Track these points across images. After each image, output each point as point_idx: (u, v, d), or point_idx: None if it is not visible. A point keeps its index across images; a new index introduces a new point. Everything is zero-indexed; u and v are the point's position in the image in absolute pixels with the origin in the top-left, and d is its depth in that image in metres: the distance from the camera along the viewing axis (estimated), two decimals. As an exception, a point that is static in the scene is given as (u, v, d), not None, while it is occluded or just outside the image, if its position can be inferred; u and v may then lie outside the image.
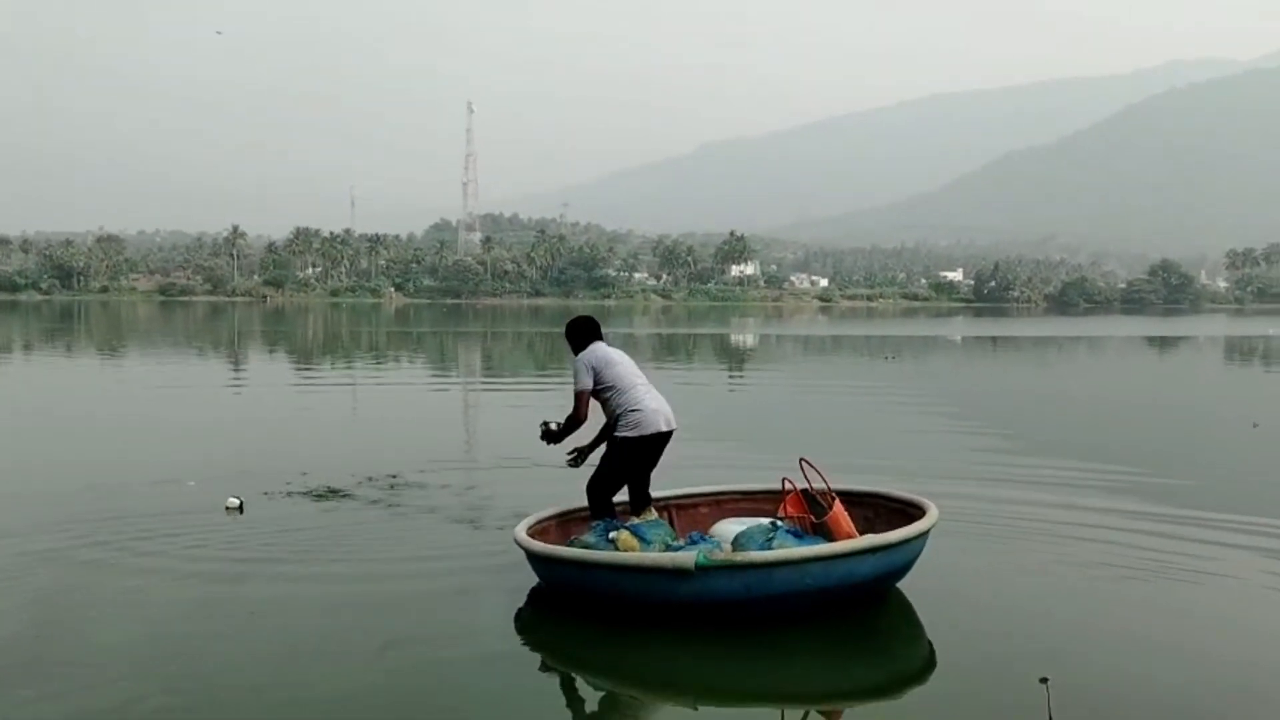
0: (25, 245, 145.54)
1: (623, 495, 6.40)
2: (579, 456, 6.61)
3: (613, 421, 6.29)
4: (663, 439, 6.23)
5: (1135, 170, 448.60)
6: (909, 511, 6.10)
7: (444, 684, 4.63)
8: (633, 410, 6.15)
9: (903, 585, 5.85)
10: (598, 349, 6.40)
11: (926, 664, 4.97)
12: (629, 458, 6.18)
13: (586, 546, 5.79)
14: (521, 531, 6.01)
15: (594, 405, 6.31)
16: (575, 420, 6.29)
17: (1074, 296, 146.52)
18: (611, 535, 5.80)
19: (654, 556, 5.46)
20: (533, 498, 7.41)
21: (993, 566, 6.64)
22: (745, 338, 45.65)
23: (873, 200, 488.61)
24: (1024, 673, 4.68)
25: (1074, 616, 5.65)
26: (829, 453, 6.24)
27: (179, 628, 5.28)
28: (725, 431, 13.36)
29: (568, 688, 4.84)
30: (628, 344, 38.16)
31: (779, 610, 5.29)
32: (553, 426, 6.41)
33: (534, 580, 6.00)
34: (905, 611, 5.70)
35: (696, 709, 4.53)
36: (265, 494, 8.36)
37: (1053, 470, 10.13)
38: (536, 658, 5.17)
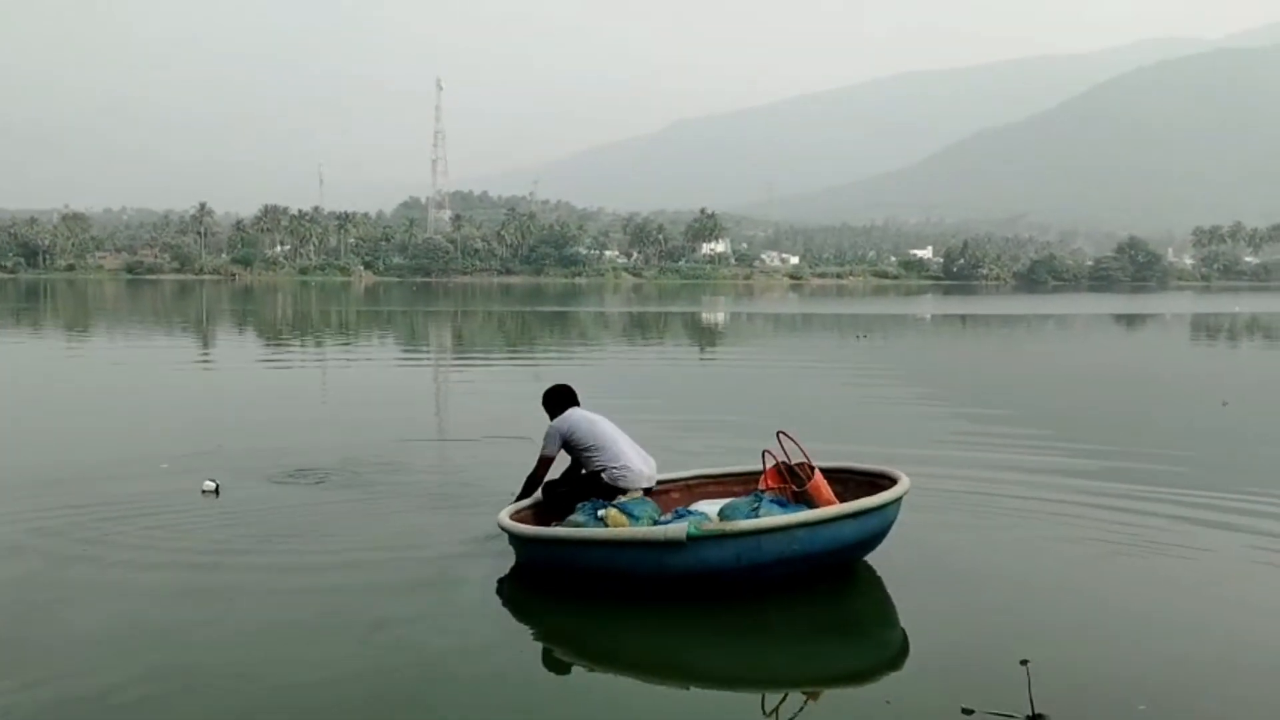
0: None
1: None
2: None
3: (593, 474, 6.38)
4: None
5: (1104, 149, 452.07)
6: (879, 483, 6.20)
7: (430, 668, 4.62)
8: (616, 466, 6.30)
9: (878, 561, 5.94)
10: (573, 415, 6.56)
11: (902, 646, 5.02)
12: (597, 495, 6.21)
13: (576, 526, 5.83)
14: (505, 517, 6.05)
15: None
16: (534, 481, 6.50)
17: (1042, 274, 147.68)
18: (600, 513, 5.85)
19: (646, 530, 5.53)
20: (507, 475, 7.42)
21: (964, 542, 6.72)
22: (716, 316, 45.72)
23: (843, 178, 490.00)
24: (999, 651, 4.77)
25: (1048, 593, 5.73)
26: (800, 431, 6.28)
27: (158, 614, 5.22)
28: (696, 412, 13.41)
29: (555, 669, 4.85)
30: (599, 322, 38.50)
31: (766, 578, 5.42)
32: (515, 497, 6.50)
33: (511, 562, 6.03)
34: (879, 588, 5.78)
35: (688, 689, 4.59)
36: (240, 477, 8.27)
37: (1024, 446, 10.26)
38: (523, 638, 5.20)
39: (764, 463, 6.23)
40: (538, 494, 6.51)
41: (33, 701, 4.18)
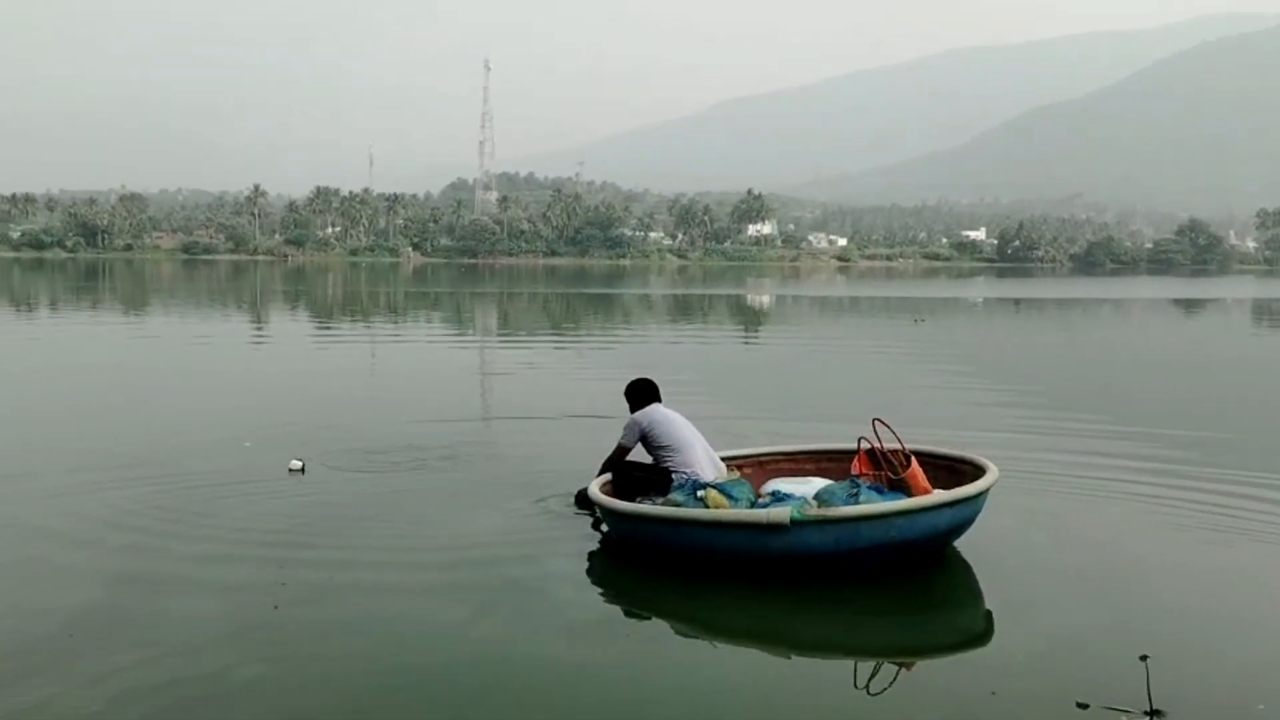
0: (51, 204, 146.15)
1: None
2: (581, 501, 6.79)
3: (665, 468, 6.48)
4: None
5: (1164, 127, 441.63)
6: (958, 468, 6.29)
7: (537, 646, 4.69)
8: (687, 470, 6.36)
9: (969, 547, 5.96)
10: (654, 410, 6.71)
11: (999, 634, 4.99)
12: (662, 492, 6.23)
13: (675, 505, 5.92)
14: (600, 493, 6.20)
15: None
16: (609, 465, 6.66)
17: (1100, 256, 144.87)
18: (700, 494, 5.94)
19: (749, 512, 5.63)
20: (580, 454, 7.64)
21: (1053, 528, 6.62)
22: (762, 299, 45.39)
23: (893, 157, 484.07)
24: (1105, 643, 4.71)
25: (1153, 583, 5.67)
26: (860, 414, 6.43)
27: (260, 596, 5.27)
28: (770, 398, 13.30)
29: (658, 643, 4.91)
30: (643, 305, 38.39)
31: (862, 563, 5.54)
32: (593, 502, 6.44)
33: (594, 540, 6.19)
34: (971, 574, 5.80)
35: (790, 659, 4.67)
36: (321, 456, 8.37)
37: (1099, 432, 10.07)
38: (621, 614, 5.33)
39: (858, 447, 6.27)
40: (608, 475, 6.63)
41: (152, 678, 4.26)
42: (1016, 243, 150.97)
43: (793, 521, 5.38)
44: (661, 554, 5.85)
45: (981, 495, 5.79)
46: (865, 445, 6.21)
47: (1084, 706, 3.98)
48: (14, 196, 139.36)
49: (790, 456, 7.06)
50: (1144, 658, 3.97)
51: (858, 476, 5.96)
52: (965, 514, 5.76)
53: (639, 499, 6.21)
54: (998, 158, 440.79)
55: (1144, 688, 3.92)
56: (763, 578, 5.52)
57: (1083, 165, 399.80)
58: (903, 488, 5.87)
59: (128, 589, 5.34)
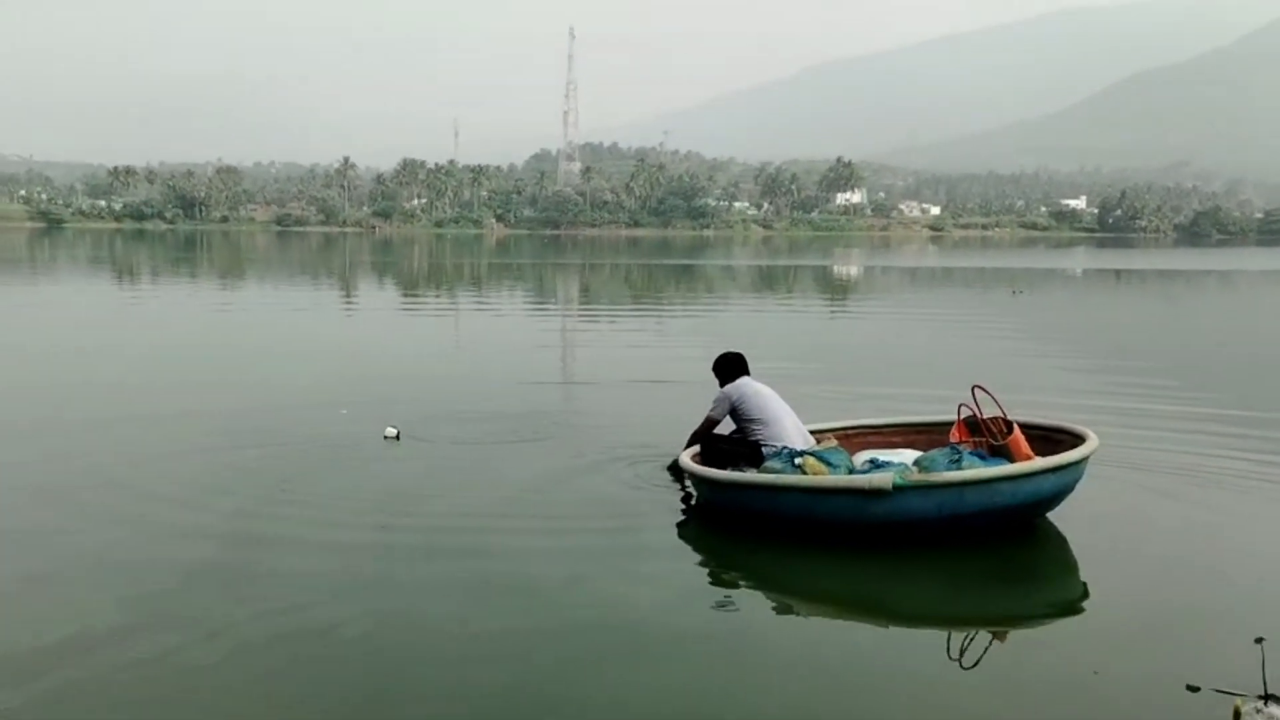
0: (150, 176, 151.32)
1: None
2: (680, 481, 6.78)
3: (755, 441, 6.43)
4: None
5: (1275, 92, 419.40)
6: (1055, 438, 6.19)
7: (634, 613, 4.74)
8: (777, 445, 6.28)
9: (1068, 522, 5.89)
10: (744, 384, 6.69)
11: (1099, 611, 4.88)
12: (750, 464, 6.23)
13: (773, 472, 5.88)
14: (692, 462, 6.24)
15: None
16: (697, 437, 6.64)
17: (1206, 227, 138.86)
18: (798, 461, 5.90)
19: (851, 478, 5.61)
20: (667, 423, 7.72)
21: (1158, 506, 6.45)
22: (849, 270, 44.70)
23: (989, 123, 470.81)
24: (1210, 624, 4.62)
25: (1262, 566, 5.50)
26: (956, 389, 6.45)
27: (364, 557, 5.43)
28: (857, 370, 13.14)
29: (753, 611, 4.94)
30: (725, 275, 38.10)
31: (963, 530, 5.52)
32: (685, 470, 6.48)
33: (680, 511, 6.24)
34: (1067, 548, 5.74)
35: (887, 628, 4.69)
36: (415, 424, 8.47)
37: (1205, 408, 9.70)
38: (716, 583, 5.34)
39: (958, 414, 6.27)
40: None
41: (264, 633, 4.43)
42: (1118, 212, 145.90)
43: (895, 487, 5.35)
44: (759, 522, 5.84)
45: (1083, 462, 5.72)
46: (966, 413, 6.18)
47: (1194, 690, 3.86)
48: (116, 169, 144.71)
49: (877, 430, 6.98)
50: (1259, 640, 3.80)
51: (958, 443, 5.89)
52: (1067, 480, 5.70)
53: (771, 454, 6.16)
54: (1100, 123, 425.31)
55: (1259, 671, 3.74)
56: (861, 543, 5.52)
57: (1189, 132, 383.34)
58: (1004, 454, 5.80)
59: (237, 548, 5.52)
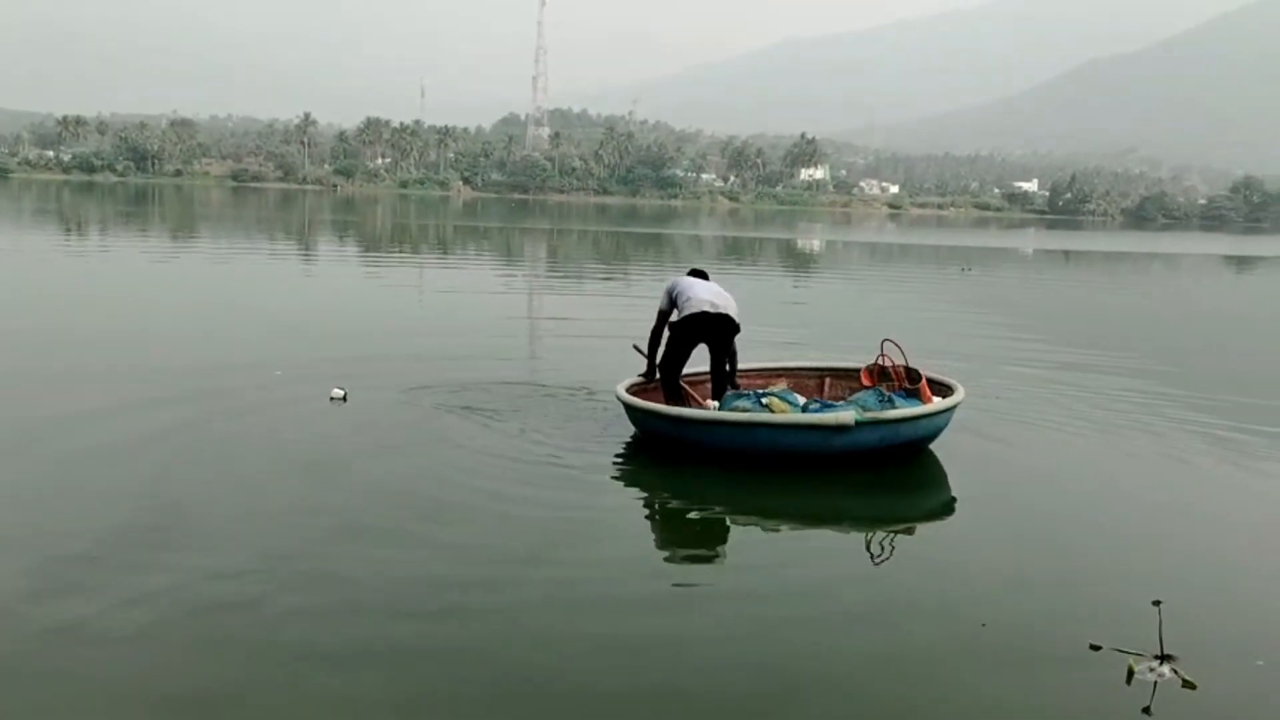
0: (101, 127, 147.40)
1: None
2: (647, 375, 7.68)
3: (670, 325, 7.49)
4: (709, 320, 7.22)
5: (1223, 83, 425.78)
6: (933, 386, 7.23)
7: (588, 527, 5.39)
8: (685, 301, 7.32)
9: (970, 490, 6.48)
10: (685, 278, 7.61)
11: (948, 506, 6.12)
12: (680, 336, 7.32)
13: (743, 411, 6.65)
14: (624, 392, 7.11)
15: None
16: (653, 333, 7.63)
17: (1152, 212, 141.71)
18: (764, 400, 6.72)
19: (820, 415, 6.48)
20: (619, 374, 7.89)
21: (1048, 460, 7.23)
22: (812, 243, 44.97)
23: (947, 106, 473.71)
24: (1109, 586, 4.60)
25: (1155, 530, 5.87)
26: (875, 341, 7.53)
27: (298, 518, 5.31)
28: (803, 330, 13.42)
29: (710, 529, 5.62)
30: (692, 244, 38.25)
31: (890, 455, 6.56)
32: (642, 349, 7.74)
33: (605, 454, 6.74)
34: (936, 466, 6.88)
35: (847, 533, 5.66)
36: (358, 386, 8.25)
37: (1109, 368, 10.51)
38: (660, 502, 6.09)
39: (878, 361, 7.32)
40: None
41: (186, 603, 4.28)
42: (1068, 195, 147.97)
43: (857, 422, 6.23)
44: (733, 455, 6.46)
45: (957, 406, 6.91)
46: (885, 361, 7.26)
47: (1096, 649, 4.05)
48: (65, 119, 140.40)
49: (790, 372, 8.06)
50: (1157, 603, 4.03)
51: (878, 387, 6.90)
52: (949, 420, 6.89)
53: (737, 395, 7.00)
54: (1053, 109, 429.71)
55: (1158, 633, 3.99)
56: (818, 469, 6.38)
57: (1138, 119, 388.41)
58: (916, 397, 6.87)
59: (158, 514, 5.29)
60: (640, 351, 7.79)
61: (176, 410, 7.39)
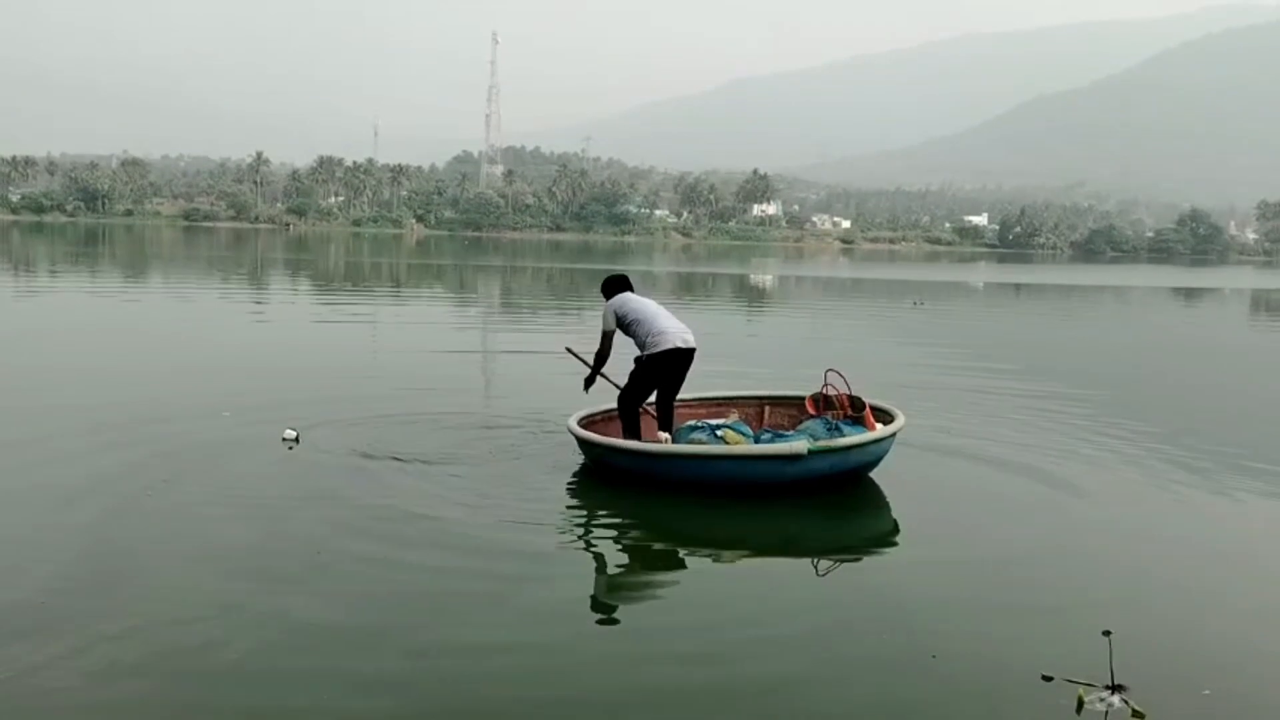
0: (51, 167, 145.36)
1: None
2: (588, 383, 7.74)
3: (640, 346, 7.33)
4: (681, 355, 7.22)
5: (1167, 117, 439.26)
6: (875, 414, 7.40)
7: (546, 564, 5.46)
8: (654, 334, 7.21)
9: (919, 516, 6.63)
10: (625, 296, 7.51)
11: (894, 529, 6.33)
12: (653, 372, 7.25)
13: (700, 444, 6.84)
14: (578, 427, 7.18)
15: (618, 343, 7.48)
16: (599, 356, 7.54)
17: (1100, 244, 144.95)
18: (719, 433, 6.88)
19: (774, 446, 6.68)
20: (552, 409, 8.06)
21: (1001, 485, 7.34)
22: (765, 278, 45.28)
23: (898, 142, 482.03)
24: (1060, 618, 4.77)
25: (1104, 561, 5.85)
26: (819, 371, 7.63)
27: (252, 563, 5.22)
28: (753, 362, 13.48)
29: (662, 559, 5.78)
30: (646, 280, 38.34)
31: (837, 481, 6.69)
32: (578, 354, 7.90)
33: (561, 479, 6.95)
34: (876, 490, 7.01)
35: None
36: (310, 427, 8.13)
37: (1068, 413, 10.21)
38: (615, 533, 6.12)
39: (825, 390, 7.45)
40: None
41: (135, 651, 4.18)
42: (1018, 229, 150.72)
43: (810, 452, 6.41)
44: (691, 486, 6.62)
45: (899, 431, 7.04)
46: (830, 391, 7.40)
47: (1048, 679, 4.06)
48: (14, 159, 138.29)
49: (733, 401, 8.15)
50: (1107, 633, 4.06)
51: (825, 415, 7.12)
52: (890, 446, 7.03)
53: (692, 428, 7.08)
54: (1002, 144, 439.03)
55: (1109, 663, 4.01)
56: (772, 497, 6.51)
57: (1086, 154, 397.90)
58: (861, 424, 7.07)
59: (105, 559, 5.17)
60: (575, 355, 8.03)
61: (124, 451, 7.30)
